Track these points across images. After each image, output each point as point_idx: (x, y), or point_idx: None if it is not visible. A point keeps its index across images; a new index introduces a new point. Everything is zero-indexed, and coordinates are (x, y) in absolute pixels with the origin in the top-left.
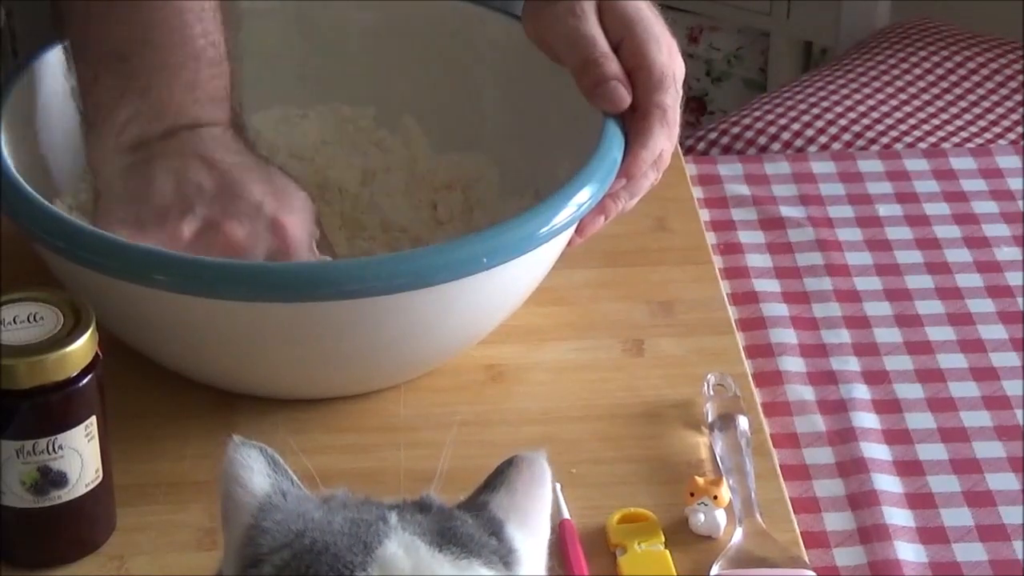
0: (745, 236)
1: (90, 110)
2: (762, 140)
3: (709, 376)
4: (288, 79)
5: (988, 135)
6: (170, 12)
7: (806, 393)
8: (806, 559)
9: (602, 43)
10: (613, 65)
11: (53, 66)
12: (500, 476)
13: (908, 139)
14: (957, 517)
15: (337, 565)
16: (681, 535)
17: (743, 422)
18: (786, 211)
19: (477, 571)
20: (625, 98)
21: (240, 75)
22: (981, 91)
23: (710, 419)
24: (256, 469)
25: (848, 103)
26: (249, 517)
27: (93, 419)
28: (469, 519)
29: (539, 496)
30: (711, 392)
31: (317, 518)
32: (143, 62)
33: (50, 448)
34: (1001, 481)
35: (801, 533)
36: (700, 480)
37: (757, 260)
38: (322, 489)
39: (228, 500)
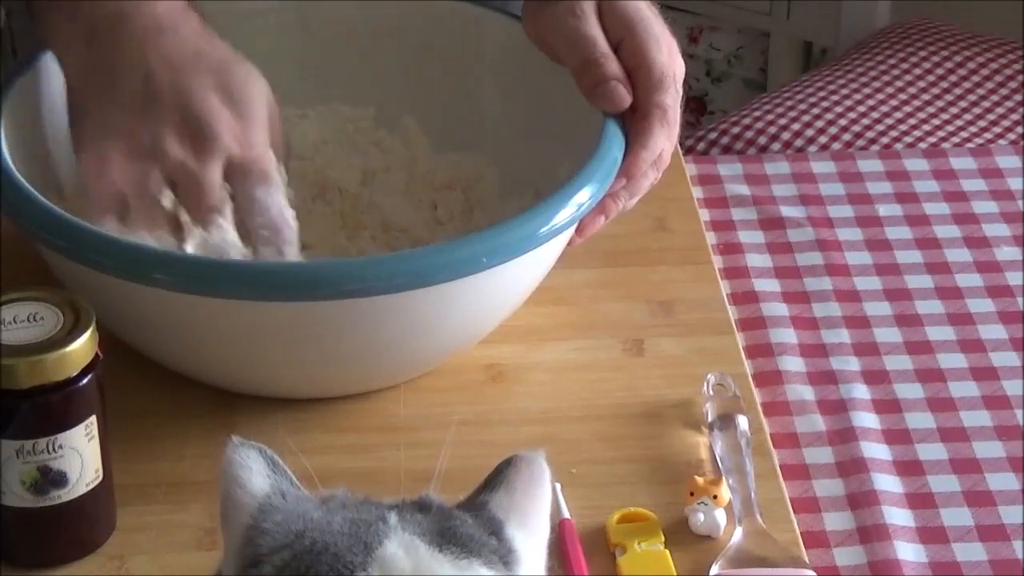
0: (745, 236)
1: (40, 8)
2: (762, 140)
3: (709, 376)
4: (288, 79)
5: (988, 135)
6: None
7: (806, 393)
8: (806, 559)
9: (602, 43)
10: (613, 65)
11: (53, 66)
12: (499, 476)
13: (908, 139)
14: (957, 517)
15: (337, 565)
16: (681, 535)
17: (743, 422)
18: (786, 211)
19: (477, 571)
20: (625, 98)
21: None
22: (981, 91)
23: (710, 419)
24: (255, 470)
25: (848, 103)
26: (249, 518)
27: (93, 419)
28: (469, 519)
29: (538, 496)
30: (711, 392)
31: (317, 518)
32: None
33: (50, 448)
34: (1001, 481)
35: (801, 533)
36: (700, 480)
37: (757, 260)
38: (321, 489)
39: (227, 501)
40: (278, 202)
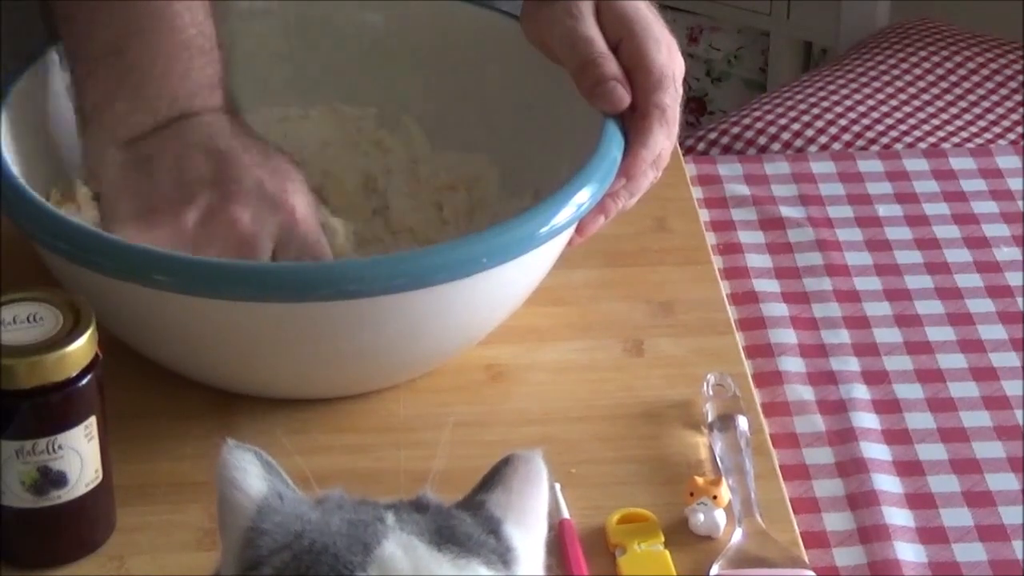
0: (745, 236)
1: (87, 108)
2: (762, 140)
3: (709, 376)
4: (288, 79)
5: (988, 135)
6: (159, 5)
7: (806, 393)
8: (806, 559)
9: (600, 43)
10: (611, 65)
11: (53, 66)
12: (496, 475)
13: (908, 139)
14: (957, 517)
15: (337, 566)
16: (681, 535)
17: (743, 422)
18: (786, 211)
19: (476, 570)
20: (624, 98)
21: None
22: (981, 91)
23: (710, 419)
24: (251, 472)
25: (848, 103)
26: (247, 520)
27: (93, 419)
28: (467, 518)
29: (535, 494)
30: (711, 392)
31: (315, 519)
32: (136, 55)
33: (50, 448)
34: (1001, 481)
35: (801, 533)
36: (700, 480)
37: (757, 260)
38: (318, 490)
39: (225, 504)
40: None
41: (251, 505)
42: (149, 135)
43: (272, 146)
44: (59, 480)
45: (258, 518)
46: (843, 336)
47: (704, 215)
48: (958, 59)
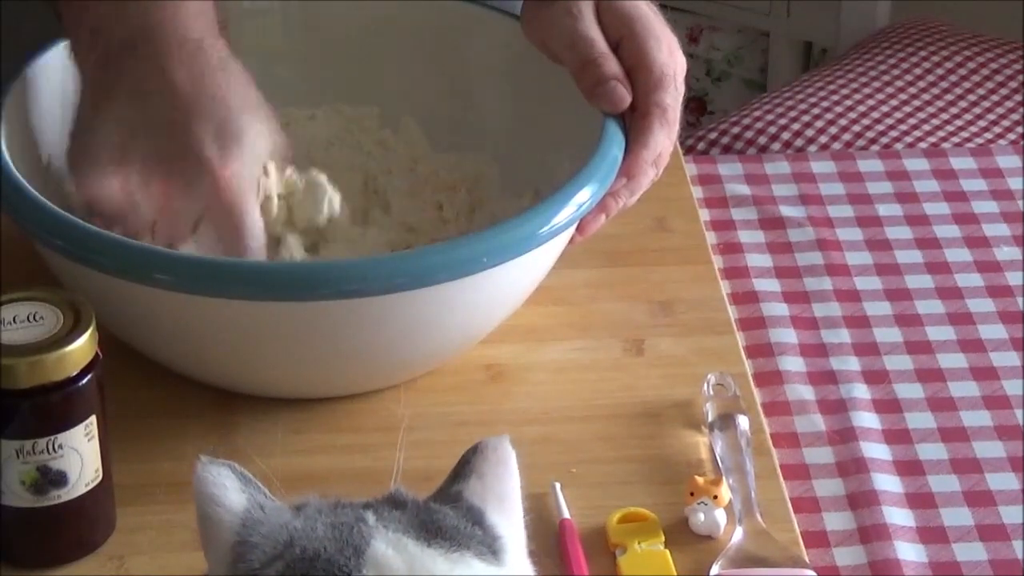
0: (745, 236)
1: (65, 20)
2: (762, 140)
3: (709, 376)
4: (288, 79)
5: (988, 135)
6: None
7: (806, 393)
8: (806, 559)
9: (600, 43)
10: (612, 65)
11: (53, 66)
12: (467, 465)
13: (908, 139)
14: (957, 517)
15: (332, 570)
16: (681, 535)
17: (743, 422)
18: (786, 211)
19: (470, 564)
20: (624, 98)
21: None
22: (981, 91)
23: (710, 419)
24: (229, 486)
25: (848, 103)
26: (233, 535)
27: (93, 419)
28: (449, 511)
29: (508, 478)
30: (711, 392)
31: (300, 526)
32: None
33: (50, 448)
34: (1001, 481)
35: (801, 533)
36: (700, 480)
37: (757, 260)
38: (290, 498)
39: (207, 520)
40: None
41: (234, 519)
42: (118, 54)
43: (240, 77)
44: (59, 480)
45: (244, 532)
46: (843, 336)
47: (704, 215)
48: (958, 59)
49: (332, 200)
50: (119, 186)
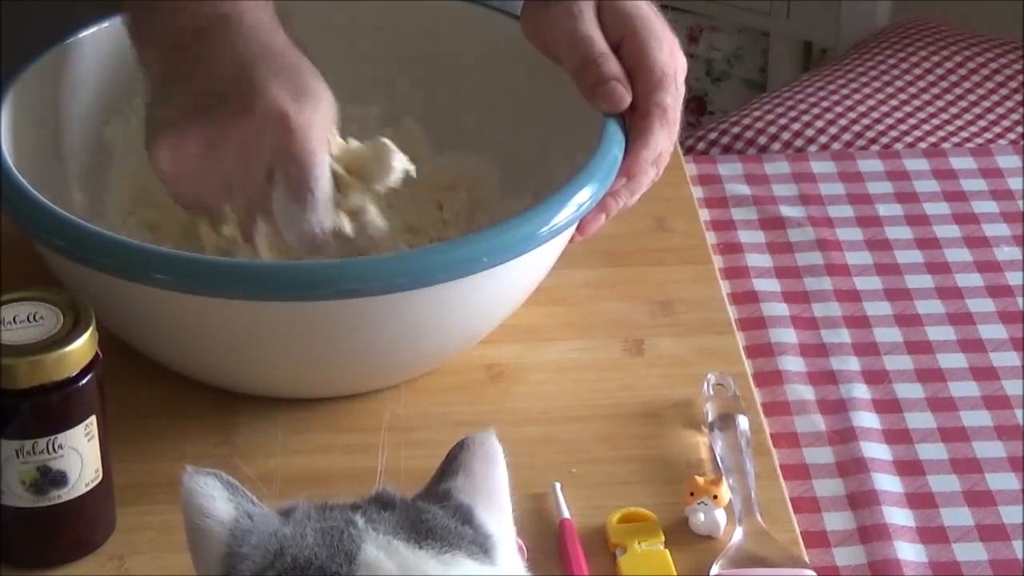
0: (745, 236)
1: (131, 19)
2: (762, 140)
3: (709, 376)
4: None
5: (988, 135)
6: None
7: (806, 393)
8: (806, 559)
9: (600, 43)
10: (612, 65)
11: (54, 66)
12: (454, 462)
13: (908, 139)
14: (957, 517)
15: None
16: (681, 535)
17: (743, 422)
18: (786, 211)
19: (461, 563)
20: (624, 98)
21: None
22: (981, 91)
23: (710, 419)
24: (217, 496)
25: (848, 103)
26: (223, 545)
27: (93, 419)
28: (438, 510)
29: (496, 474)
30: (711, 392)
31: (290, 534)
32: None
33: (50, 448)
34: (1001, 481)
35: (801, 533)
36: (700, 480)
37: (757, 260)
38: (265, 494)
39: (196, 532)
40: (314, 219)
41: (223, 530)
42: (191, 42)
43: (303, 59)
44: (59, 480)
45: (234, 542)
46: (843, 336)
47: (704, 215)
48: (958, 59)
49: (401, 159)
50: (195, 148)
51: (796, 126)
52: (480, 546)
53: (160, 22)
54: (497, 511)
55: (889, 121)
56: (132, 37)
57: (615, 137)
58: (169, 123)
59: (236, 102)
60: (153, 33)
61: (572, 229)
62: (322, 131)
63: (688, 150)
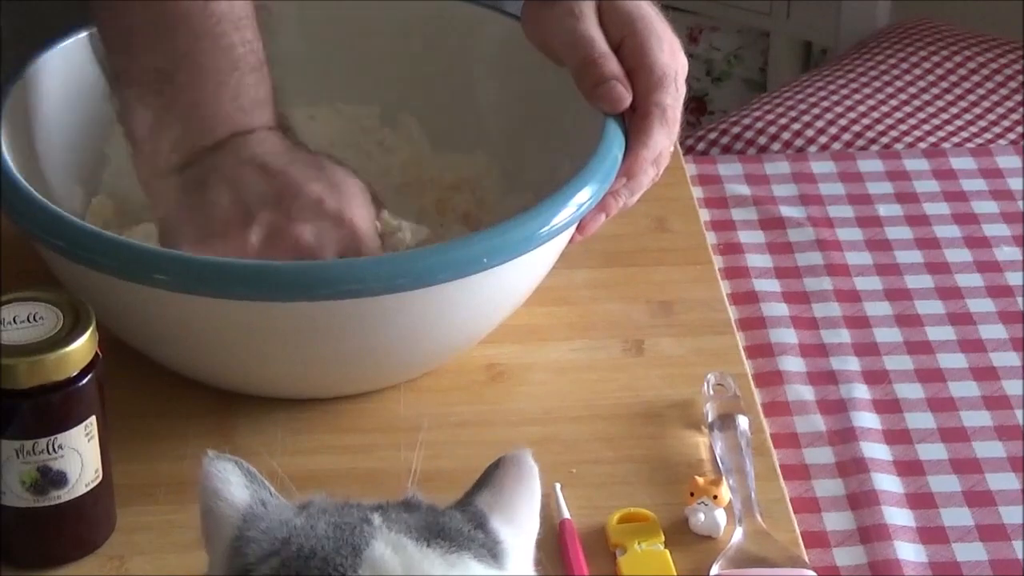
0: (745, 236)
1: (136, 132)
2: (762, 140)
3: (709, 376)
4: (287, 79)
5: (988, 135)
6: (208, 25)
7: (806, 393)
8: (806, 559)
9: (601, 43)
10: (612, 65)
11: (53, 66)
12: (487, 477)
13: (908, 139)
14: (957, 517)
15: (327, 569)
16: (681, 535)
17: (743, 422)
18: (786, 211)
19: (467, 564)
20: (624, 98)
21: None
22: (981, 91)
23: (710, 419)
24: (234, 482)
25: (848, 103)
26: (233, 529)
27: (93, 419)
28: (456, 514)
29: (526, 492)
30: (711, 392)
31: (300, 524)
32: (186, 78)
33: (50, 448)
34: (1001, 481)
35: (801, 533)
36: (700, 480)
37: (757, 260)
38: (297, 494)
39: (209, 515)
40: None
41: (235, 514)
42: (203, 157)
43: (327, 158)
44: (59, 480)
45: (244, 526)
46: (843, 336)
47: (704, 215)
48: (958, 59)
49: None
50: (247, 252)
51: (796, 126)
52: (489, 551)
53: (171, 137)
54: (516, 526)
55: (889, 121)
56: (132, 143)
57: (615, 137)
58: (198, 234)
59: (277, 212)
60: (161, 143)
61: (572, 229)
62: (372, 221)
63: (688, 150)
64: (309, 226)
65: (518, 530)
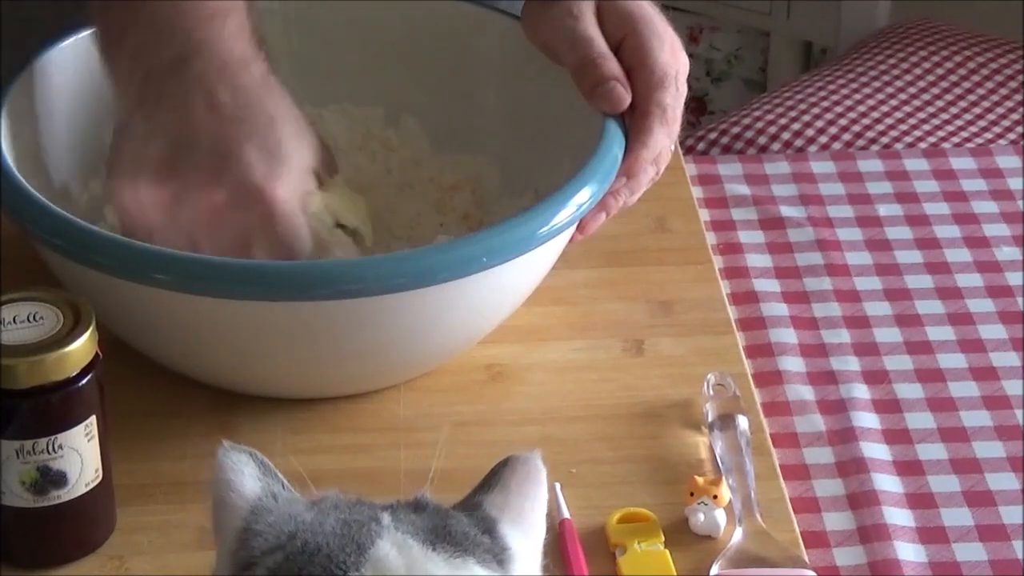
0: (745, 236)
1: (102, 40)
2: (762, 140)
3: (709, 376)
4: (288, 79)
5: (988, 135)
6: None
7: (806, 393)
8: (806, 559)
9: (600, 43)
10: (611, 65)
11: (53, 66)
12: (495, 476)
13: (908, 139)
14: (957, 517)
15: (330, 566)
16: (681, 535)
17: (743, 422)
18: (786, 211)
19: (471, 569)
20: (624, 98)
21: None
22: (981, 91)
23: (710, 419)
24: (247, 473)
25: (848, 103)
26: (241, 520)
27: (93, 419)
28: (463, 518)
29: (533, 495)
30: (711, 392)
31: (308, 520)
32: None
33: (50, 448)
34: (1001, 481)
35: (801, 533)
36: (700, 480)
37: (757, 260)
38: (314, 491)
39: (220, 504)
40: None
41: (245, 506)
42: (160, 74)
43: (283, 105)
44: (59, 480)
45: (251, 519)
46: (843, 336)
47: (704, 215)
48: (958, 59)
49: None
50: (160, 198)
51: (796, 126)
52: (495, 556)
53: (135, 44)
54: (524, 530)
55: (889, 121)
56: (102, 52)
57: (615, 137)
58: (136, 162)
59: (208, 166)
60: (126, 52)
61: (572, 229)
62: (298, 198)
63: (688, 150)
64: (226, 196)
65: (526, 534)
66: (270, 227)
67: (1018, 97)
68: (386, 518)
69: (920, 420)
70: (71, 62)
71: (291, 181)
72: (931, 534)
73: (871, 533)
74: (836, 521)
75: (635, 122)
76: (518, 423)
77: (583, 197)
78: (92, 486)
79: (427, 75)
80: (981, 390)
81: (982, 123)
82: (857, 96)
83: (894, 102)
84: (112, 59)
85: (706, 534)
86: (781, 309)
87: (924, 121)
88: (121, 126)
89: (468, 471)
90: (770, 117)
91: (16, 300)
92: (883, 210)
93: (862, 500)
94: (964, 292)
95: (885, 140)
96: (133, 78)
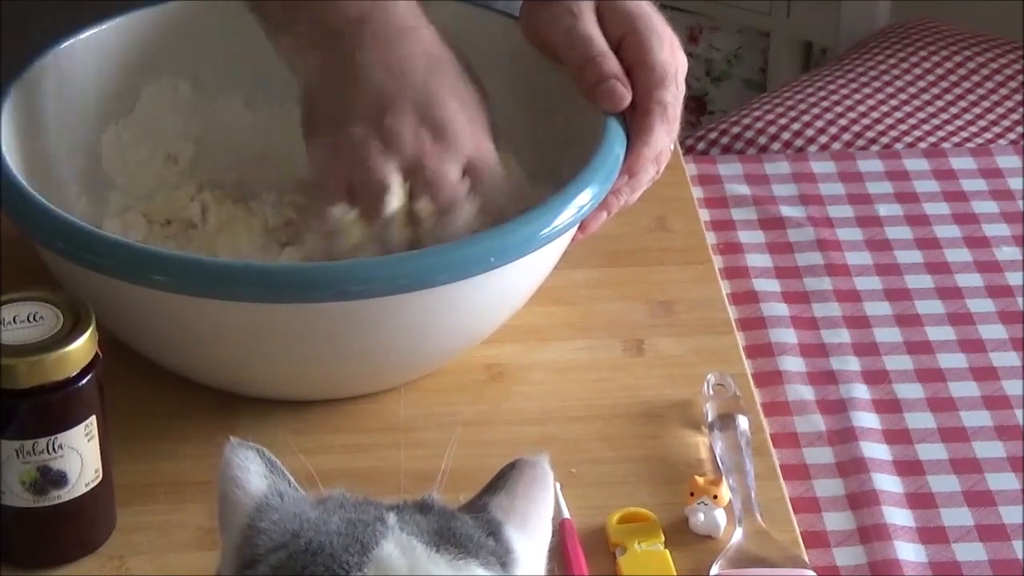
0: (745, 236)
1: (278, 14)
2: (762, 140)
3: (709, 376)
4: (289, 79)
5: (988, 135)
6: None
7: (806, 393)
8: (806, 559)
9: (600, 42)
10: (611, 63)
11: (53, 66)
12: (501, 479)
13: (908, 139)
14: (957, 517)
15: (333, 566)
16: (681, 535)
17: (743, 422)
18: (786, 211)
19: (474, 571)
20: (624, 96)
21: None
22: (981, 91)
23: (710, 419)
24: (253, 470)
25: (848, 103)
26: (246, 518)
27: (93, 419)
28: (468, 520)
29: (539, 499)
30: (711, 392)
31: (313, 518)
32: None
33: (50, 448)
34: (1001, 481)
35: (801, 533)
36: (700, 480)
37: (757, 260)
38: (321, 489)
39: (225, 501)
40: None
41: (250, 503)
42: (344, 31)
43: (456, 64)
44: (59, 480)
45: (256, 516)
46: (843, 336)
47: (704, 215)
48: (958, 59)
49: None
50: (363, 148)
51: (796, 126)
52: (499, 559)
53: (308, 18)
54: (529, 533)
55: (889, 121)
56: (273, 20)
57: (617, 136)
58: (337, 117)
59: (413, 103)
60: (303, 19)
61: (574, 229)
62: (457, 171)
63: (688, 150)
64: (452, 170)
65: (531, 537)
66: (482, 182)
67: (1018, 97)
68: (391, 518)
69: (920, 420)
70: (71, 62)
71: (454, 161)
72: (931, 534)
73: (871, 533)
74: (836, 521)
75: (636, 120)
76: (518, 423)
77: (585, 198)
78: (92, 486)
79: None
80: (981, 390)
81: (982, 123)
82: (857, 96)
83: (894, 102)
84: (285, 34)
85: (706, 534)
86: (781, 309)
87: (924, 121)
88: (311, 99)
89: (468, 471)
90: (770, 117)
91: (16, 300)
92: (883, 210)
93: (862, 500)
94: (964, 292)
95: (885, 140)
96: (313, 43)
